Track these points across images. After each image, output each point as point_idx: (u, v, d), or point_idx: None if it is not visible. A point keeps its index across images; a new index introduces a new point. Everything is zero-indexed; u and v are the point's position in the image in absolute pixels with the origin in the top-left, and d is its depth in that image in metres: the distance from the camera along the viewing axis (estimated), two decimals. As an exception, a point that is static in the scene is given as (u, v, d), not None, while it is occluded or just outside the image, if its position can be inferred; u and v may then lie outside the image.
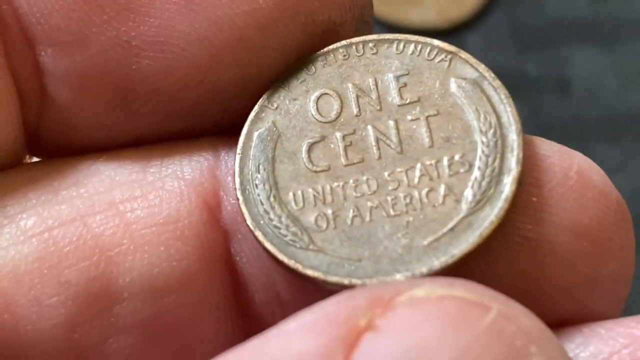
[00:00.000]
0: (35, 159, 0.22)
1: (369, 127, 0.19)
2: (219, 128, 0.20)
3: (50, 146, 0.21)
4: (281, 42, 0.19)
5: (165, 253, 0.19)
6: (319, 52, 0.20)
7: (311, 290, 0.18)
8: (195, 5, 0.19)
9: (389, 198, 0.18)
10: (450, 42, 0.19)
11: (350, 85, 0.19)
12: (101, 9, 0.19)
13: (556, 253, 0.18)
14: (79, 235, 0.19)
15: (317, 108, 0.19)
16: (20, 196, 0.20)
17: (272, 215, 0.19)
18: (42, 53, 0.19)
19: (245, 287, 0.20)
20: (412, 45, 0.19)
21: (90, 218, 0.19)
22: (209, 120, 0.20)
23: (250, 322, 0.20)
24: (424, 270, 0.17)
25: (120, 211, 0.19)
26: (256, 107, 0.20)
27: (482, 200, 0.18)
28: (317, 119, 0.19)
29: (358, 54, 0.20)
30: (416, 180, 0.18)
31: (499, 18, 0.66)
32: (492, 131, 0.18)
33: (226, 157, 0.20)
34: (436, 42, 0.19)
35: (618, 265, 0.19)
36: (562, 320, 0.19)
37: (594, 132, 0.62)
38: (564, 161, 0.18)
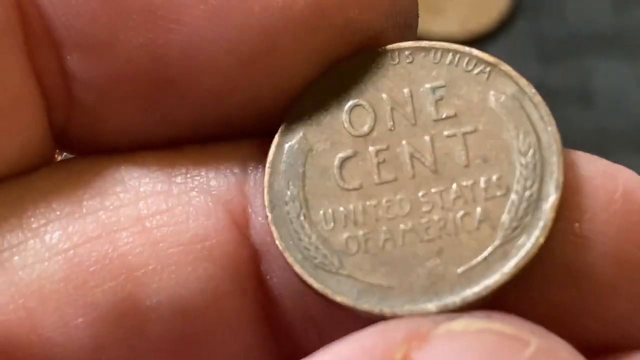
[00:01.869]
0: (65, 155, 0.21)
1: (404, 142, 0.18)
2: (250, 134, 0.20)
3: (79, 146, 0.21)
4: (316, 51, 0.19)
5: (193, 274, 0.19)
6: (352, 60, 0.19)
7: (344, 312, 0.18)
8: (225, 14, 0.18)
9: (422, 221, 0.18)
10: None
11: (384, 96, 0.19)
12: (127, 15, 0.18)
13: (599, 282, 0.17)
14: (105, 254, 0.19)
15: (349, 120, 0.19)
16: (45, 206, 0.19)
17: (301, 236, 0.18)
18: (68, 57, 0.19)
19: (276, 306, 0.20)
20: (450, 55, 0.19)
21: (116, 235, 0.19)
22: (239, 128, 0.20)
23: (282, 341, 0.20)
24: (457, 301, 0.17)
25: (146, 228, 0.19)
26: (287, 118, 0.19)
27: (518, 227, 0.17)
28: (349, 132, 0.19)
29: (393, 62, 0.19)
30: (451, 202, 0.18)
31: (521, 29, 0.65)
32: (531, 152, 0.18)
33: (254, 172, 0.19)
34: (475, 51, 0.18)
35: None
36: (604, 349, 0.18)
37: (618, 144, 0.61)
38: (609, 183, 0.17)
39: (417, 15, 0.20)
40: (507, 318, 0.16)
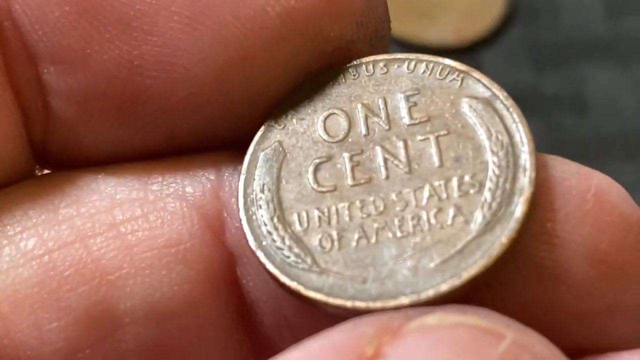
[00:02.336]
0: (46, 171, 0.21)
1: (377, 147, 0.18)
2: (226, 144, 0.20)
3: (57, 160, 0.21)
4: (289, 60, 0.19)
5: (167, 277, 0.19)
6: (328, 71, 0.19)
7: (319, 315, 0.18)
8: (199, 24, 0.18)
9: (395, 219, 0.18)
10: (467, 60, 0.19)
11: (359, 105, 0.19)
12: (103, 28, 0.18)
13: (572, 281, 0.17)
14: (79, 259, 0.19)
15: (324, 128, 0.19)
16: (21, 214, 0.19)
17: (275, 236, 0.18)
18: (45, 70, 0.19)
19: (252, 310, 0.20)
20: (424, 65, 0.19)
21: (90, 240, 0.19)
22: (216, 138, 0.20)
23: (257, 345, 0.20)
24: (431, 293, 0.17)
25: (120, 233, 0.19)
26: (262, 127, 0.19)
27: (492, 222, 0.17)
28: (324, 139, 0.19)
29: (368, 74, 0.19)
30: (424, 201, 0.18)
31: (516, 36, 0.66)
32: (503, 151, 0.18)
33: (230, 178, 0.20)
34: (447, 61, 0.19)
35: (639, 292, 0.18)
36: (579, 349, 0.18)
37: (611, 150, 0.61)
38: (581, 183, 0.18)
39: (389, 27, 0.20)
40: (482, 312, 0.16)
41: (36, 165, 0.21)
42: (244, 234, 0.18)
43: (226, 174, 0.20)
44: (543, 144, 0.60)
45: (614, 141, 0.62)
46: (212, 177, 0.20)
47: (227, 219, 0.19)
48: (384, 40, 0.20)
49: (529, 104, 0.62)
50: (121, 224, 0.19)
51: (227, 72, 0.18)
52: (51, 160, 0.21)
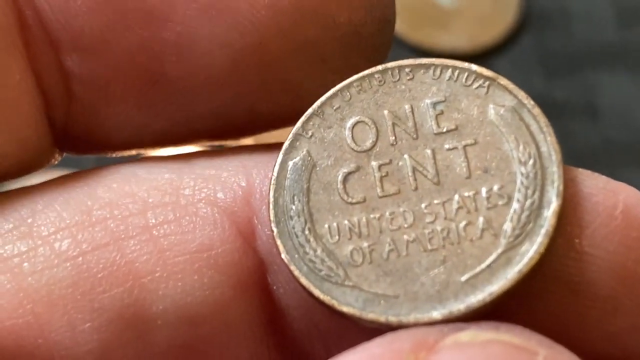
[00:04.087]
0: (66, 155, 0.22)
1: (406, 156, 0.19)
2: (243, 130, 0.21)
3: (79, 145, 0.21)
4: (302, 45, 0.19)
5: (199, 282, 0.19)
6: (353, 78, 0.19)
7: (350, 323, 0.18)
8: (215, 11, 0.19)
9: (425, 231, 0.18)
10: (480, 67, 0.19)
11: (386, 112, 0.19)
12: (124, 15, 0.19)
13: (599, 297, 0.18)
14: (112, 261, 0.19)
15: (352, 136, 0.19)
16: (55, 215, 0.20)
17: (307, 249, 0.18)
18: (67, 57, 0.20)
19: (282, 316, 0.20)
20: (449, 71, 0.19)
21: (123, 242, 0.19)
22: (233, 122, 0.20)
23: (287, 351, 0.20)
24: (462, 308, 0.17)
25: (153, 236, 0.19)
26: (290, 136, 0.19)
27: (521, 235, 0.17)
28: (352, 148, 0.19)
29: (394, 80, 0.19)
30: (453, 213, 0.18)
31: (528, 43, 0.66)
32: (531, 162, 0.18)
33: (260, 185, 0.20)
34: (474, 67, 0.19)
35: None
36: None
37: (622, 158, 0.61)
38: (609, 199, 0.18)
39: (394, 11, 0.20)
40: (515, 329, 0.16)
41: (57, 150, 0.21)
42: (276, 245, 0.19)
43: (257, 181, 0.20)
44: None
45: (625, 148, 0.62)
46: (243, 183, 0.20)
47: (257, 225, 0.20)
48: (391, 25, 0.20)
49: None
50: (154, 228, 0.19)
51: (243, 57, 0.19)
52: (72, 145, 0.21)
